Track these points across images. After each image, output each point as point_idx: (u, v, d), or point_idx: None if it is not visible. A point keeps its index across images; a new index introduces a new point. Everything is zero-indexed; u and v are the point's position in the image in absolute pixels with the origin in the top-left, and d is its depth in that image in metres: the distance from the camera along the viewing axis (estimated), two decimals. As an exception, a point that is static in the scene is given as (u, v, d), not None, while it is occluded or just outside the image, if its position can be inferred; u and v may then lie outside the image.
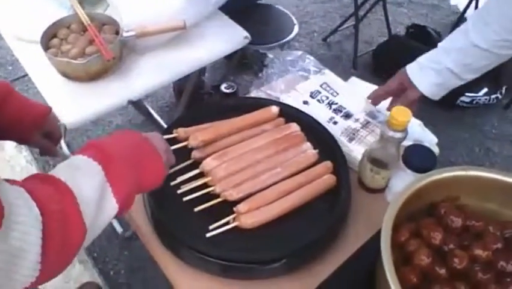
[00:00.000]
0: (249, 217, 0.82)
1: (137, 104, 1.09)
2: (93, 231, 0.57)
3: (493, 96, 2.38)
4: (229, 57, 1.54)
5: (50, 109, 0.85)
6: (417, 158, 0.87)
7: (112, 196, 0.59)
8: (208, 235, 0.80)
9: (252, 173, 0.88)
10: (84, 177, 0.57)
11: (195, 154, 0.92)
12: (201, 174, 0.89)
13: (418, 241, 0.69)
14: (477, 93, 2.36)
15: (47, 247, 0.49)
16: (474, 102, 2.37)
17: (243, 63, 2.40)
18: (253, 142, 0.93)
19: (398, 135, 0.85)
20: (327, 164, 0.92)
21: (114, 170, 0.60)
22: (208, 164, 0.88)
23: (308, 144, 0.95)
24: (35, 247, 0.48)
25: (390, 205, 0.67)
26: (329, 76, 1.18)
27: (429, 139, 1.08)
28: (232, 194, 0.84)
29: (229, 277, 0.81)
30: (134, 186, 0.64)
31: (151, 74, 1.24)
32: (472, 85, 2.33)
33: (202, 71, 1.36)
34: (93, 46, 1.19)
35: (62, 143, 2.12)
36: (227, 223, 0.82)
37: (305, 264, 0.82)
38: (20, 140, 0.85)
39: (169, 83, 1.28)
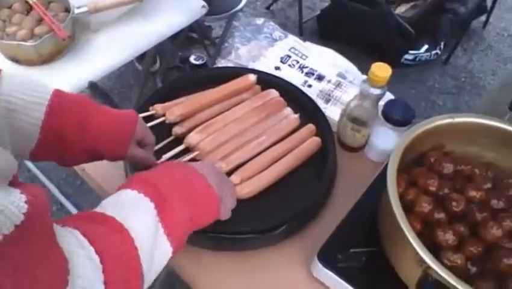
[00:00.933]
0: (243, 187, 0.81)
1: (95, 87, 1.03)
2: (148, 277, 0.52)
3: (433, 52, 2.50)
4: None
5: (137, 115, 0.73)
6: (397, 112, 0.89)
7: (165, 239, 0.54)
8: None
9: (238, 144, 0.87)
10: (139, 217, 0.52)
11: (176, 130, 0.88)
12: (186, 150, 0.86)
13: (416, 190, 0.72)
14: (419, 50, 2.47)
15: None
16: (417, 59, 2.47)
17: (190, 37, 2.33)
18: (234, 113, 0.91)
19: (378, 91, 0.87)
20: (311, 127, 0.92)
21: (168, 212, 0.55)
22: (192, 138, 0.85)
23: (289, 109, 0.95)
24: None
25: (391, 158, 0.69)
26: (295, 41, 1.17)
27: (386, 97, 1.11)
28: (222, 167, 0.83)
29: (228, 249, 0.80)
30: (187, 224, 0.59)
31: (109, 52, 1.18)
32: (414, 43, 2.44)
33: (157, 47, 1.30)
34: (43, 25, 1.11)
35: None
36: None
37: (303, 229, 0.83)
38: (113, 158, 0.73)
39: (129, 60, 1.22)
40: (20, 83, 0.62)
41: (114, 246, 0.47)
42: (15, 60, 1.11)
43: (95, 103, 0.69)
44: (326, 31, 2.59)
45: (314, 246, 0.77)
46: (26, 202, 0.37)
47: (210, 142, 0.85)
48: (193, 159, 0.84)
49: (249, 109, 0.92)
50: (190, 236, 0.77)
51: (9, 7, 1.15)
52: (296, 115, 0.94)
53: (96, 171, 0.91)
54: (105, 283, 0.44)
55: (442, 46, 2.53)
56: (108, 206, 0.52)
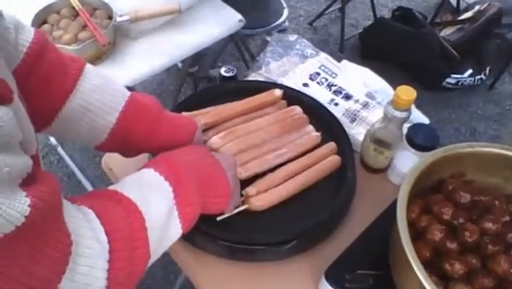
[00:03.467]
0: (258, 199, 0.82)
1: (131, 90, 1.07)
2: (154, 257, 0.55)
3: (478, 77, 2.43)
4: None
5: (197, 125, 0.78)
6: (421, 137, 0.89)
7: (178, 221, 0.57)
8: (219, 218, 0.80)
9: (258, 152, 0.88)
10: (154, 197, 0.54)
11: (200, 138, 0.91)
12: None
13: (429, 217, 0.71)
14: (462, 74, 2.41)
15: (111, 279, 0.47)
16: (459, 83, 2.41)
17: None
18: (257, 124, 0.93)
19: (403, 114, 0.86)
20: (332, 145, 0.93)
21: (184, 194, 0.58)
22: (215, 142, 0.87)
23: (311, 127, 0.95)
24: (101, 281, 0.46)
25: (404, 182, 0.68)
26: (326, 59, 1.18)
27: (421, 120, 1.10)
28: (241, 173, 0.84)
29: (239, 259, 0.81)
30: (199, 209, 0.62)
31: (146, 59, 1.23)
32: (457, 67, 2.38)
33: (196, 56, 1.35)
34: (86, 31, 1.17)
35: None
36: (236, 206, 0.82)
37: (315, 245, 0.83)
38: None
39: (165, 68, 1.27)
40: (100, 85, 0.66)
41: (125, 227, 0.50)
42: (59, 62, 1.18)
43: (162, 110, 0.73)
44: (367, 50, 2.58)
45: (324, 264, 0.77)
46: (29, 206, 0.39)
47: (231, 148, 0.86)
48: None
49: (272, 122, 0.93)
50: (205, 243, 0.80)
51: (58, 12, 1.23)
52: (318, 133, 0.94)
53: (123, 171, 0.94)
54: (110, 260, 0.47)
55: (487, 72, 2.45)
56: (129, 185, 0.55)
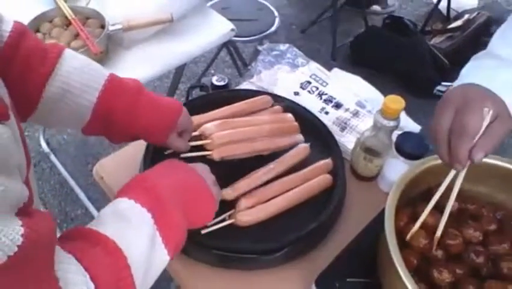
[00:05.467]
0: (245, 214, 0.82)
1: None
2: (145, 285, 0.54)
3: (468, 85, 2.45)
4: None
5: (182, 106, 0.78)
6: (410, 145, 0.90)
7: (163, 247, 0.56)
8: (204, 231, 0.78)
9: (247, 148, 0.88)
10: (134, 232, 0.53)
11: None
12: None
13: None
14: (452, 81, 2.39)
15: None
16: (450, 91, 2.43)
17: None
18: (251, 121, 0.93)
19: (391, 123, 0.87)
20: (327, 163, 0.92)
21: (165, 218, 0.57)
22: (209, 128, 0.87)
23: (301, 137, 0.96)
24: None
25: (391, 191, 0.69)
26: (317, 68, 1.19)
27: (412, 128, 1.11)
28: (228, 193, 0.84)
29: (229, 268, 0.81)
30: (184, 228, 0.61)
31: (138, 68, 1.24)
32: (448, 75, 2.41)
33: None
34: (79, 40, 1.17)
35: (42, 141, 2.08)
36: (223, 220, 0.82)
37: (305, 254, 0.83)
38: (154, 143, 0.80)
39: (157, 76, 1.27)
40: (79, 67, 0.67)
41: (108, 269, 0.48)
42: (51, 71, 1.18)
43: (146, 91, 0.73)
44: (359, 58, 2.60)
45: (314, 272, 0.77)
46: (22, 235, 0.38)
47: (222, 137, 0.86)
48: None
49: (265, 122, 0.93)
50: (195, 252, 0.80)
51: (50, 21, 1.23)
52: (307, 145, 0.95)
53: (114, 179, 0.94)
54: None
55: (477, 79, 2.48)
56: (105, 221, 0.54)
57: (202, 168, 0.71)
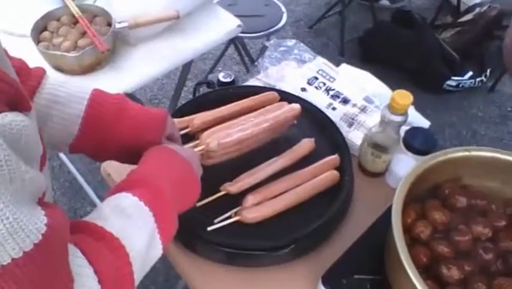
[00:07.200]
0: (251, 211, 0.82)
1: (130, 97, 1.08)
2: (137, 282, 0.55)
3: (478, 79, 2.42)
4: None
5: (167, 114, 0.77)
6: (418, 141, 0.89)
7: (160, 242, 0.58)
8: (210, 228, 0.79)
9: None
10: (136, 228, 0.54)
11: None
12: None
13: (425, 222, 0.71)
14: (462, 76, 2.40)
15: None
16: (460, 85, 2.41)
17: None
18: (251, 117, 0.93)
19: (399, 118, 0.86)
20: (335, 159, 0.92)
21: (164, 214, 0.58)
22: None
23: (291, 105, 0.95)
24: None
25: (398, 187, 0.68)
26: (324, 63, 1.18)
27: (422, 123, 1.10)
28: (231, 190, 0.84)
29: (236, 265, 0.81)
30: (175, 218, 0.62)
31: (145, 65, 1.24)
32: (458, 69, 2.38)
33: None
34: (86, 38, 1.18)
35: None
36: (229, 217, 0.82)
37: (312, 250, 0.83)
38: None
39: (164, 74, 1.27)
40: (64, 81, 0.69)
41: (110, 265, 0.49)
42: (60, 69, 1.19)
43: (131, 101, 0.74)
44: (367, 53, 2.58)
45: (321, 269, 0.77)
46: (45, 225, 0.40)
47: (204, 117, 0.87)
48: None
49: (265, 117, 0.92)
50: (203, 249, 0.80)
51: (58, 19, 1.23)
52: (311, 139, 0.94)
53: (121, 176, 0.94)
54: None
55: (488, 73, 2.45)
56: (108, 217, 0.54)
57: (190, 154, 0.71)
